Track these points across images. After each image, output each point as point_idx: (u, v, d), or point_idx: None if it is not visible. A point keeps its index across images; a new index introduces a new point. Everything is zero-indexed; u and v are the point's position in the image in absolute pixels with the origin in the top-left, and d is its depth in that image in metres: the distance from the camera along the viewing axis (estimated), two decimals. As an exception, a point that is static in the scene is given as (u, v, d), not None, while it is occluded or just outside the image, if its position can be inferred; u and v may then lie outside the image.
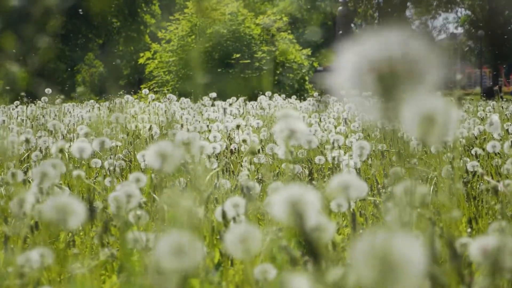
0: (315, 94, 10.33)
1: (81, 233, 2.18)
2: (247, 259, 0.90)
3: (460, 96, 1.12)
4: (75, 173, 1.81)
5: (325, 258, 0.68)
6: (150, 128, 3.29)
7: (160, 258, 0.69)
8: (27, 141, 2.23)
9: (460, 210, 2.31)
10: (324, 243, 0.90)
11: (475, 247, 0.83)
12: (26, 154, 3.53)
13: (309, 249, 0.67)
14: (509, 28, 38.22)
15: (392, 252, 0.55)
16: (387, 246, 0.55)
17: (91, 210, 1.21)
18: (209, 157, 2.24)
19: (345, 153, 3.05)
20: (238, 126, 2.86)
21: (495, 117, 2.44)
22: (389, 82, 0.58)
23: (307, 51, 18.38)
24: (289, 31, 19.16)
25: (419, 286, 0.56)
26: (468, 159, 2.99)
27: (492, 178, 2.57)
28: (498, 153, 2.70)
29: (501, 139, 3.32)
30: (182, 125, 3.84)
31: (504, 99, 10.43)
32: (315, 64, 20.30)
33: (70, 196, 0.95)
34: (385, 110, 0.58)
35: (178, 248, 0.68)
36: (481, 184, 2.17)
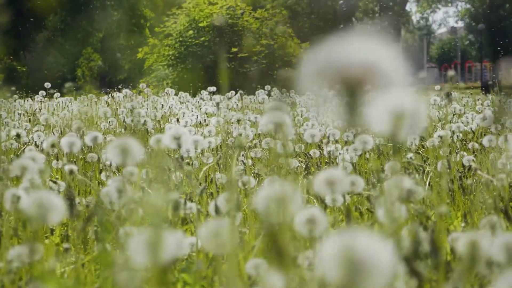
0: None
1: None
2: (221, 253, 0.90)
3: (448, 91, 1.12)
4: (67, 167, 1.80)
5: (290, 254, 0.67)
6: (145, 123, 3.29)
7: (133, 253, 0.68)
8: (18, 136, 2.23)
9: (455, 205, 2.31)
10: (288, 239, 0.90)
11: (461, 241, 0.82)
12: (23, 149, 3.53)
13: (274, 245, 0.66)
14: (511, 21, 38.16)
15: (360, 252, 0.54)
16: (355, 246, 0.54)
17: (72, 206, 1.21)
18: (202, 152, 2.24)
19: (342, 147, 3.04)
20: (238, 121, 2.86)
21: (489, 112, 2.43)
22: (354, 86, 0.58)
23: (306, 45, 18.35)
24: (288, 25, 19.11)
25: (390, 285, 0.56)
26: (465, 153, 2.98)
27: (488, 173, 2.57)
28: (495, 146, 2.69)
29: (498, 133, 3.31)
30: (178, 119, 3.84)
31: (504, 93, 10.40)
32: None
33: (49, 192, 0.94)
34: (348, 111, 0.58)
35: (152, 243, 0.68)
36: (476, 178, 2.17)
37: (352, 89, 0.57)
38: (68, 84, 2.30)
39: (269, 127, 0.95)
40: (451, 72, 1.22)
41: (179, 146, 1.42)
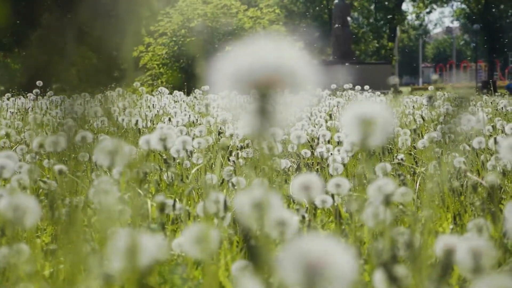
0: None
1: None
2: (204, 258, 0.90)
3: (430, 95, 1.12)
4: (57, 167, 1.80)
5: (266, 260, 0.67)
6: (137, 122, 3.28)
7: (113, 257, 0.68)
8: (8, 135, 2.22)
9: (445, 206, 2.31)
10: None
11: (439, 246, 0.82)
12: (15, 148, 3.51)
13: (250, 252, 0.66)
14: (506, 21, 38.26)
15: (319, 257, 0.54)
16: (316, 251, 0.54)
17: (52, 208, 1.21)
18: (191, 152, 2.23)
19: (334, 147, 3.04)
20: (224, 121, 2.86)
21: (482, 114, 2.44)
22: (265, 90, 0.58)
23: (299, 44, 18.36)
24: (281, 23, 19.12)
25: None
26: (457, 154, 2.99)
27: (479, 174, 2.57)
28: (487, 148, 2.70)
29: (490, 135, 3.32)
30: (170, 119, 3.83)
31: (498, 93, 10.42)
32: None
33: (25, 195, 0.94)
34: (260, 116, 0.58)
35: (133, 246, 0.68)
36: (466, 180, 2.17)
37: (263, 94, 0.57)
38: (55, 86, 2.29)
39: (247, 131, 0.94)
40: (435, 76, 1.22)
41: (165, 147, 1.42)
